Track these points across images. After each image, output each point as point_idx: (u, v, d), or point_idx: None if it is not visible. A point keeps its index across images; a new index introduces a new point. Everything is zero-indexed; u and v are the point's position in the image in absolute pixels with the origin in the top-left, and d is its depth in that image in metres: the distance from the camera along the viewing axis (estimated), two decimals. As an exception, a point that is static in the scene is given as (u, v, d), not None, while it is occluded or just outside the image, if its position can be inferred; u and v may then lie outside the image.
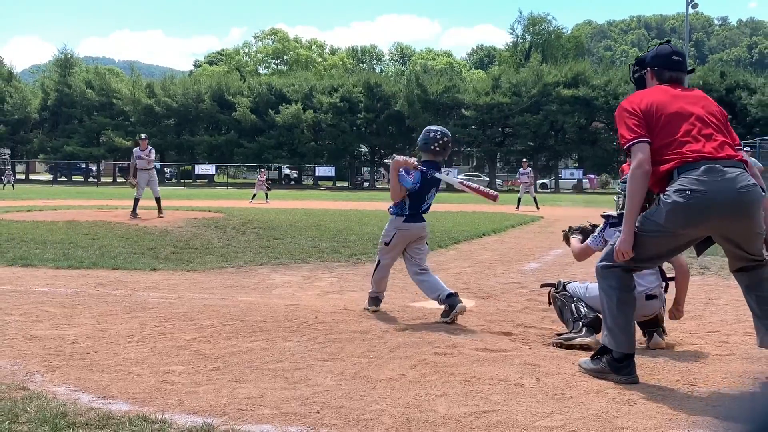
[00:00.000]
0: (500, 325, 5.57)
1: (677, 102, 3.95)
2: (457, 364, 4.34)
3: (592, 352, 4.21)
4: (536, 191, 27.28)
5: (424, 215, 6.14)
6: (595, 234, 5.14)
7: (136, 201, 16.56)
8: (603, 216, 5.16)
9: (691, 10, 48.14)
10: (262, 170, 34.36)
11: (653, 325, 4.87)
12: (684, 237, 3.87)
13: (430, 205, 6.19)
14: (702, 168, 3.73)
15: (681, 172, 3.77)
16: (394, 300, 6.55)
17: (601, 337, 4.15)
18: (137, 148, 17.16)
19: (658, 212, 3.85)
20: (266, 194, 30.40)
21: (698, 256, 4.43)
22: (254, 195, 30.24)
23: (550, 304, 5.30)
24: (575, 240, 5.35)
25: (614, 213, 5.05)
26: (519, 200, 25.63)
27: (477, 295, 7.04)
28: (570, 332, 4.91)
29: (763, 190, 3.86)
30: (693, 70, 4.54)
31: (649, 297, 4.81)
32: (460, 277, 8.31)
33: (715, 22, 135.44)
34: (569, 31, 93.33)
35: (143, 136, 17.70)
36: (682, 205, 3.72)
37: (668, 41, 4.44)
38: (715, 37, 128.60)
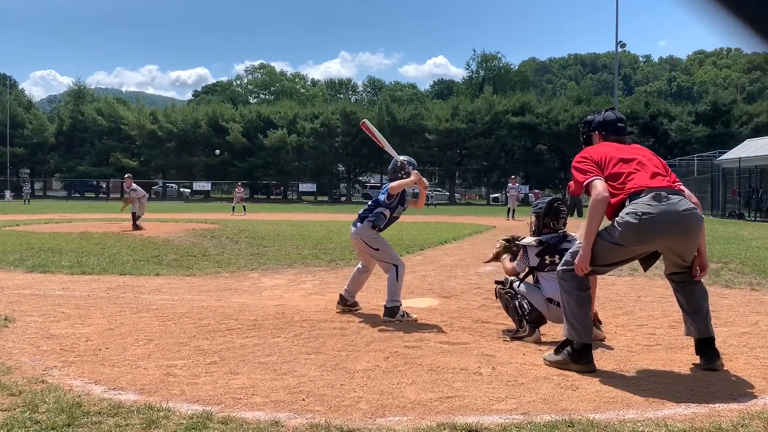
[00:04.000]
0: (461, 321, 5.57)
1: (621, 151, 4.10)
2: (424, 355, 4.33)
3: (555, 346, 4.19)
4: (515, 205, 26.82)
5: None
6: (518, 260, 5.17)
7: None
8: (521, 244, 5.17)
9: (619, 49, 48.95)
10: (239, 184, 33.35)
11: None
12: (634, 251, 3.94)
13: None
14: (650, 195, 3.82)
15: (632, 199, 3.85)
16: (369, 300, 6.52)
17: (563, 331, 4.13)
18: (125, 184, 17.87)
19: (613, 230, 3.90)
20: (244, 207, 29.98)
21: (645, 271, 4.47)
22: (234, 207, 29.86)
23: (496, 297, 5.26)
24: (506, 260, 5.39)
25: (530, 239, 5.07)
26: (513, 212, 25.70)
27: (440, 295, 7.04)
28: (518, 330, 4.90)
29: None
30: (631, 133, 4.63)
31: (550, 300, 4.84)
32: (426, 279, 8.31)
33: (640, 59, 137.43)
34: (516, 67, 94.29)
35: (126, 176, 18.24)
36: (634, 225, 3.78)
37: (612, 108, 4.58)
38: (641, 72, 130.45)
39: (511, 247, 5.42)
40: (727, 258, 10.48)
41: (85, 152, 65.43)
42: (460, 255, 11.45)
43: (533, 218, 5.16)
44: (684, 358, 4.25)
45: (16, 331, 4.95)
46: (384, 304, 5.68)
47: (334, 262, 9.92)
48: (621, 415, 3.19)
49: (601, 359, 4.22)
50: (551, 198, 5.33)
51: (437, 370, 3.95)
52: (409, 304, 6.30)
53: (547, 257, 4.97)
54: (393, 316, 5.56)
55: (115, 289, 7.09)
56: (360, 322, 5.49)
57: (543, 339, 4.83)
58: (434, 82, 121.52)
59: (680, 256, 3.94)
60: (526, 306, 4.91)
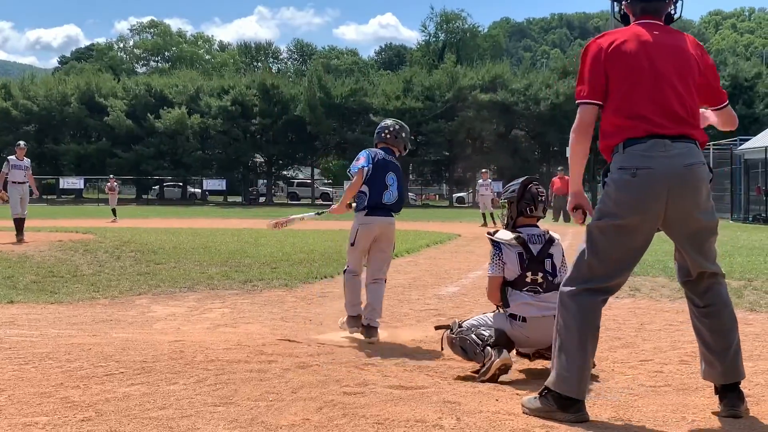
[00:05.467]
0: (416, 359, 5.59)
1: (647, 55, 3.98)
2: (369, 404, 4.33)
3: (538, 390, 4.21)
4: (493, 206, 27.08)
5: (395, 212, 6.60)
6: (491, 260, 5.25)
7: (17, 221, 16.10)
8: (489, 238, 5.28)
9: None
10: (112, 177, 32.39)
11: None
12: (638, 228, 3.92)
13: (399, 195, 6.54)
14: (649, 143, 3.86)
15: (627, 146, 3.90)
16: (297, 333, 6.50)
17: (551, 376, 4.12)
18: (13, 156, 16.68)
19: (606, 198, 3.96)
20: (113, 210, 29.31)
21: None
22: (114, 210, 29.36)
23: (442, 349, 5.33)
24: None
25: (505, 234, 5.21)
26: (483, 216, 25.83)
27: (389, 325, 7.05)
28: (482, 366, 4.95)
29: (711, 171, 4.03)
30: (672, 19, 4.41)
31: (513, 317, 5.06)
32: (370, 304, 8.31)
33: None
34: (486, 30, 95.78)
35: (22, 143, 17.35)
36: (628, 183, 3.85)
37: None
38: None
39: None
40: (751, 274, 10.81)
41: None
42: (416, 273, 11.51)
43: (506, 206, 5.33)
44: (700, 403, 4.36)
45: None
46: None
47: (249, 283, 9.85)
48: (621, 477, 3.25)
49: (594, 405, 4.29)
50: (525, 178, 5.43)
51: (386, 424, 3.95)
52: (348, 337, 6.30)
53: (529, 273, 5.08)
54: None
55: (-48, 323, 6.88)
56: (284, 361, 5.45)
57: (518, 374, 4.89)
58: (381, 47, 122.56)
59: (688, 234, 3.99)
60: (485, 333, 5.02)
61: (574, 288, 4.04)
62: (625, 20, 4.33)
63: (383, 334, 6.52)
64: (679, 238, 4.04)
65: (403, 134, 6.69)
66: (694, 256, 4.03)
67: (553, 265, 5.16)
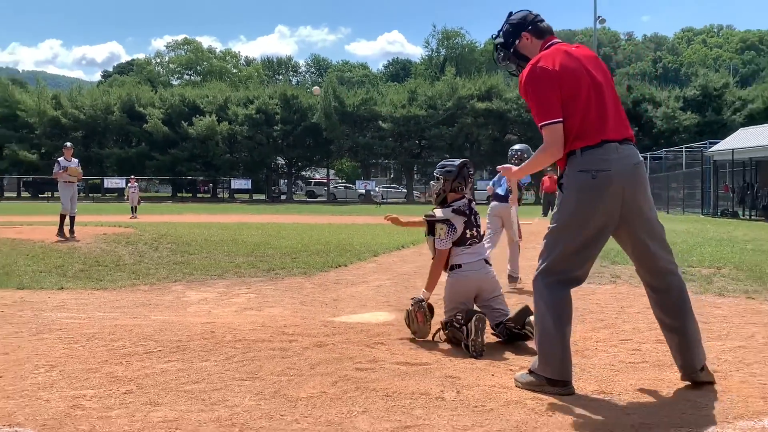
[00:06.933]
0: (421, 339, 5.59)
1: (586, 70, 4.00)
2: (378, 379, 4.33)
3: (529, 367, 4.21)
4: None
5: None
6: (443, 238, 5.51)
7: (63, 218, 15.12)
8: (440, 218, 5.53)
9: (598, 26, 49.93)
10: (133, 178, 30.77)
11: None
12: (597, 224, 3.94)
13: (505, 190, 8.78)
14: (604, 147, 3.90)
15: (584, 152, 3.92)
16: (314, 315, 6.51)
17: (536, 361, 4.12)
18: (61, 158, 15.83)
19: (566, 200, 3.97)
20: (134, 208, 27.34)
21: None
22: (134, 208, 27.51)
23: (446, 340, 5.41)
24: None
25: (444, 211, 5.53)
26: None
27: (397, 308, 7.05)
28: (467, 338, 5.01)
29: None
30: None
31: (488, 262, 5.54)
32: (380, 290, 8.32)
33: (622, 37, 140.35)
34: (482, 45, 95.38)
35: (68, 144, 16.51)
36: (589, 184, 3.88)
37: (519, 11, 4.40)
38: (622, 51, 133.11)
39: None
40: (719, 262, 10.78)
41: (-28, 143, 63.49)
42: (420, 262, 11.49)
43: (441, 182, 5.62)
44: (674, 377, 4.35)
45: None
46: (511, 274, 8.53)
47: (273, 271, 9.85)
48: (603, 444, 3.24)
49: (580, 380, 4.29)
50: (461, 161, 5.74)
51: (394, 396, 3.96)
52: (360, 319, 6.30)
53: (468, 231, 5.49)
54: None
55: (10, 307, 6.89)
56: (303, 341, 5.46)
57: (511, 354, 4.89)
58: (388, 61, 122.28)
59: (648, 231, 4.02)
60: (459, 317, 5.20)
61: (547, 279, 4.07)
62: (515, 58, 4.36)
63: (390, 317, 6.53)
64: (638, 235, 4.04)
65: (526, 155, 8.24)
66: (654, 250, 4.06)
67: (478, 223, 5.62)
